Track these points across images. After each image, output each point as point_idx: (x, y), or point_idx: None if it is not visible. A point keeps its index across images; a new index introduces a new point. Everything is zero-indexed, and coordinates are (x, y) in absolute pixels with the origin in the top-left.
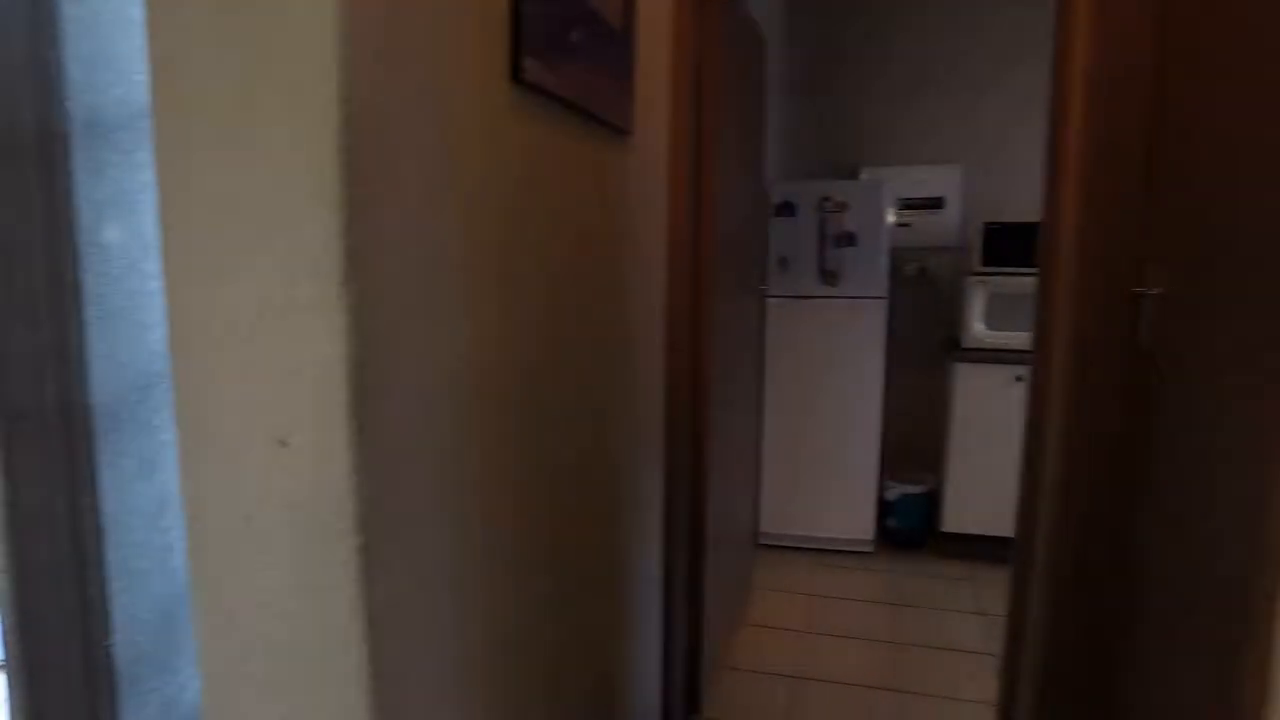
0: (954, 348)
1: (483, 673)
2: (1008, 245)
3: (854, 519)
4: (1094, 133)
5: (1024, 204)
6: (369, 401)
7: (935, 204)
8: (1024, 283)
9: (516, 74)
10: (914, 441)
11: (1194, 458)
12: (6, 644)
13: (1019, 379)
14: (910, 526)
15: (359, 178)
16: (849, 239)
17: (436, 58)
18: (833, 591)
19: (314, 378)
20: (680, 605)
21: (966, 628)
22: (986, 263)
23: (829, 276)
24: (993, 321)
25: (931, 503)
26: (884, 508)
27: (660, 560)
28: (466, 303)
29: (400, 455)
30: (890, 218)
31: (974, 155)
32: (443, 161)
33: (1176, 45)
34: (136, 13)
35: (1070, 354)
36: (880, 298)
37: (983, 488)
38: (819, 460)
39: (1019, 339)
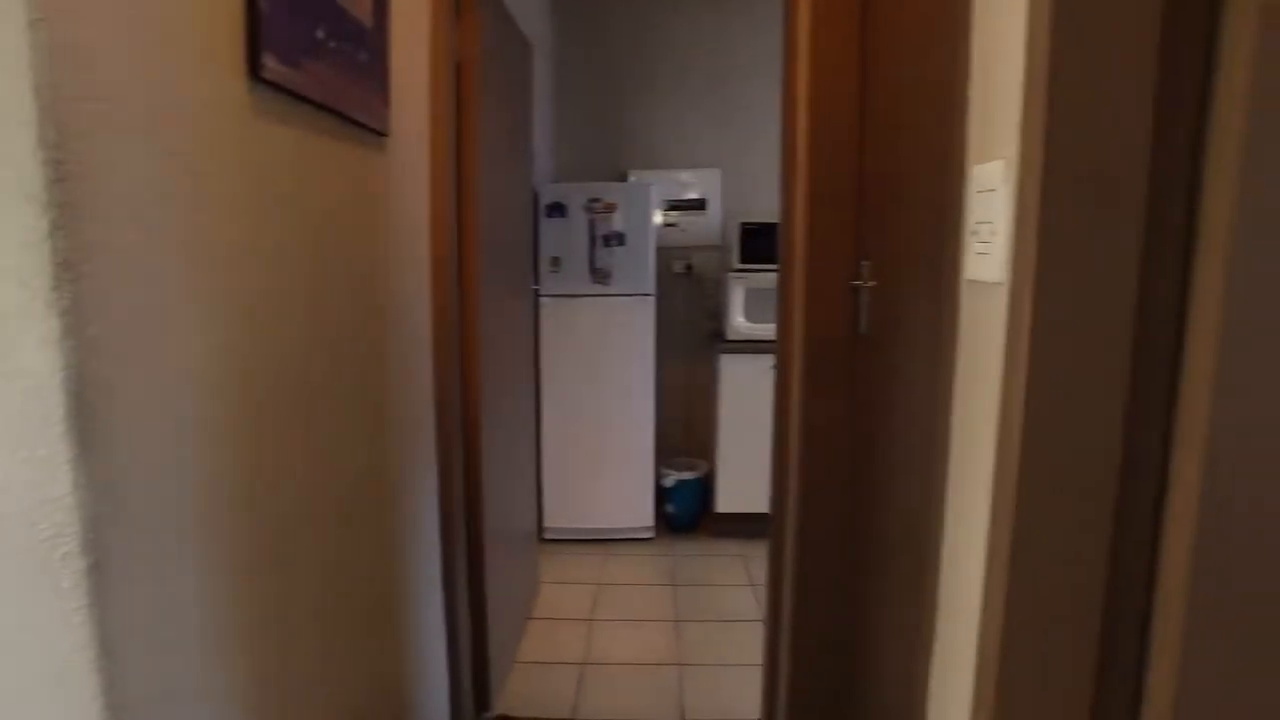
0: (719, 340)
1: (247, 692)
2: (762, 244)
3: (634, 508)
4: (816, 145)
5: (774, 205)
6: (95, 414)
7: (698, 205)
8: (774, 278)
9: (255, 71)
10: (687, 430)
11: (892, 429)
12: None
13: (774, 367)
14: (687, 511)
15: (67, 177)
16: (618, 239)
17: (159, 51)
18: (617, 579)
19: (24, 390)
20: (462, 604)
21: (741, 599)
22: (745, 260)
23: (600, 275)
24: (752, 314)
25: (705, 487)
26: (662, 495)
27: (439, 560)
28: (209, 306)
29: (138, 468)
30: (657, 218)
31: (732, 160)
32: (170, 160)
33: (872, 73)
34: None
35: (805, 342)
36: (649, 295)
37: (750, 469)
38: (598, 453)
39: (773, 330)
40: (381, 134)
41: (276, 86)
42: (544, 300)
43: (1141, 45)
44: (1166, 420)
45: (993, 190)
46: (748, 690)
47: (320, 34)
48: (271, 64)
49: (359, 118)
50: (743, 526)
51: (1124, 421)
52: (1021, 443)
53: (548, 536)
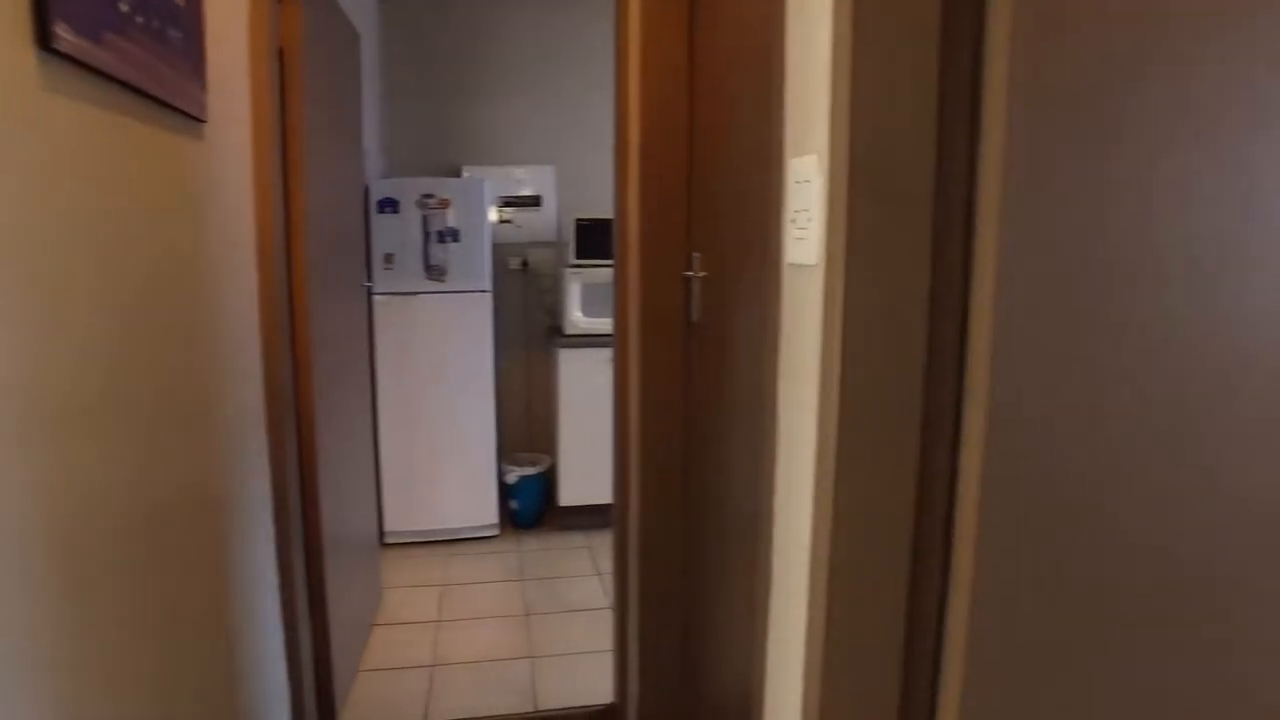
0: (557, 335)
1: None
2: (598, 239)
3: (477, 506)
4: (649, 143)
5: (609, 202)
6: None
7: (534, 202)
8: (610, 273)
9: (45, 41)
10: (528, 426)
11: (724, 410)
12: None
13: (613, 360)
14: (531, 506)
15: None
16: (453, 235)
17: None
18: (463, 578)
19: None
20: (302, 614)
21: (588, 589)
22: (581, 256)
23: (435, 271)
24: (589, 309)
25: (549, 481)
26: (505, 491)
27: (276, 569)
28: None
29: None
30: (492, 215)
31: (567, 156)
32: None
33: (700, 73)
34: None
35: (642, 332)
36: (485, 291)
37: (593, 462)
38: (438, 453)
39: (610, 324)
40: (198, 120)
41: (73, 60)
42: (378, 298)
43: (926, 55)
44: (959, 381)
45: (808, 181)
46: (599, 675)
47: (124, 6)
48: (66, 35)
49: (172, 101)
50: (588, 518)
51: (923, 382)
52: (839, 406)
53: (389, 540)
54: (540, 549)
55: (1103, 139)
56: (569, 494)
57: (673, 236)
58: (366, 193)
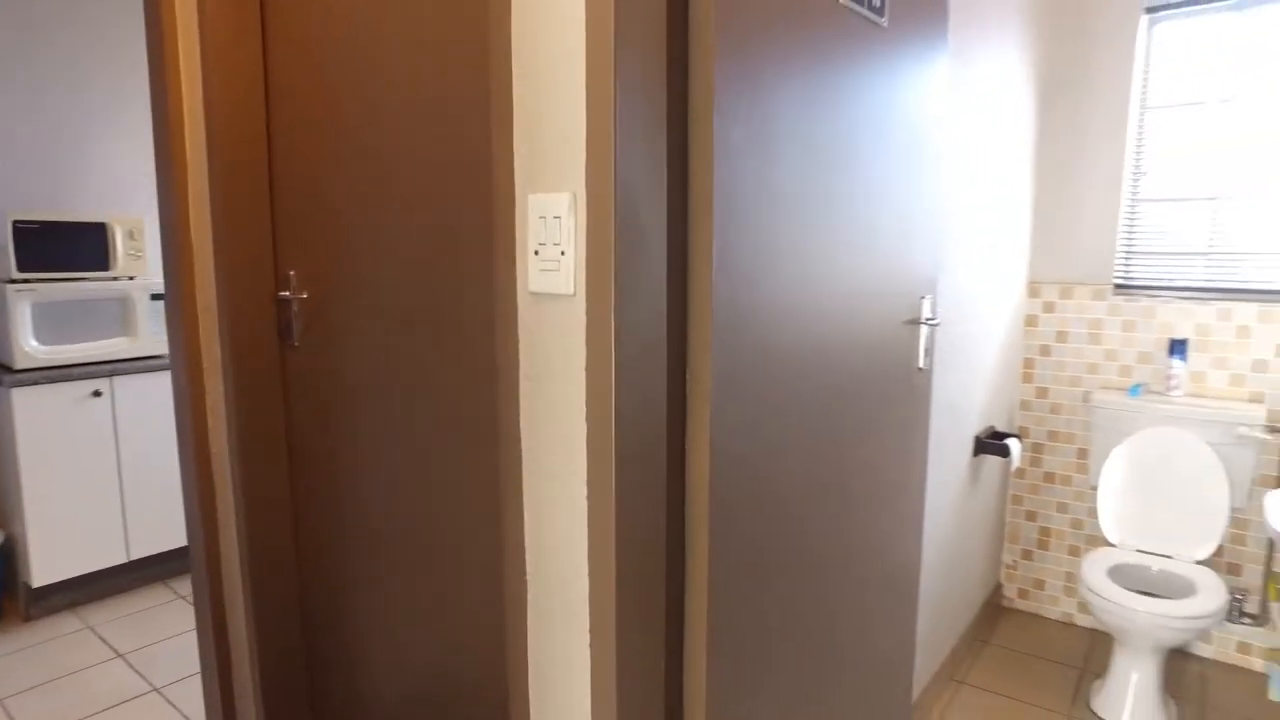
0: (5, 372)
1: None
2: (50, 246)
3: None
4: (220, 157)
5: (65, 197)
6: None
7: None
8: (80, 288)
9: None
10: None
11: (381, 430)
12: None
13: (97, 394)
14: None
15: None
16: None
17: None
18: None
19: None
20: None
21: (113, 678)
22: (26, 268)
23: None
24: (48, 335)
25: (5, 559)
26: None
27: None
28: None
29: None
30: None
31: None
32: None
33: (276, 83)
34: None
35: (233, 358)
36: None
37: (81, 523)
38: None
39: (89, 350)
40: None
41: None
42: None
43: (659, 117)
44: (682, 385)
45: (558, 217)
46: None
47: None
48: None
49: None
50: (81, 592)
51: (667, 389)
52: (616, 426)
53: None
54: (15, 650)
55: (760, 186)
56: (47, 569)
57: (255, 254)
58: None
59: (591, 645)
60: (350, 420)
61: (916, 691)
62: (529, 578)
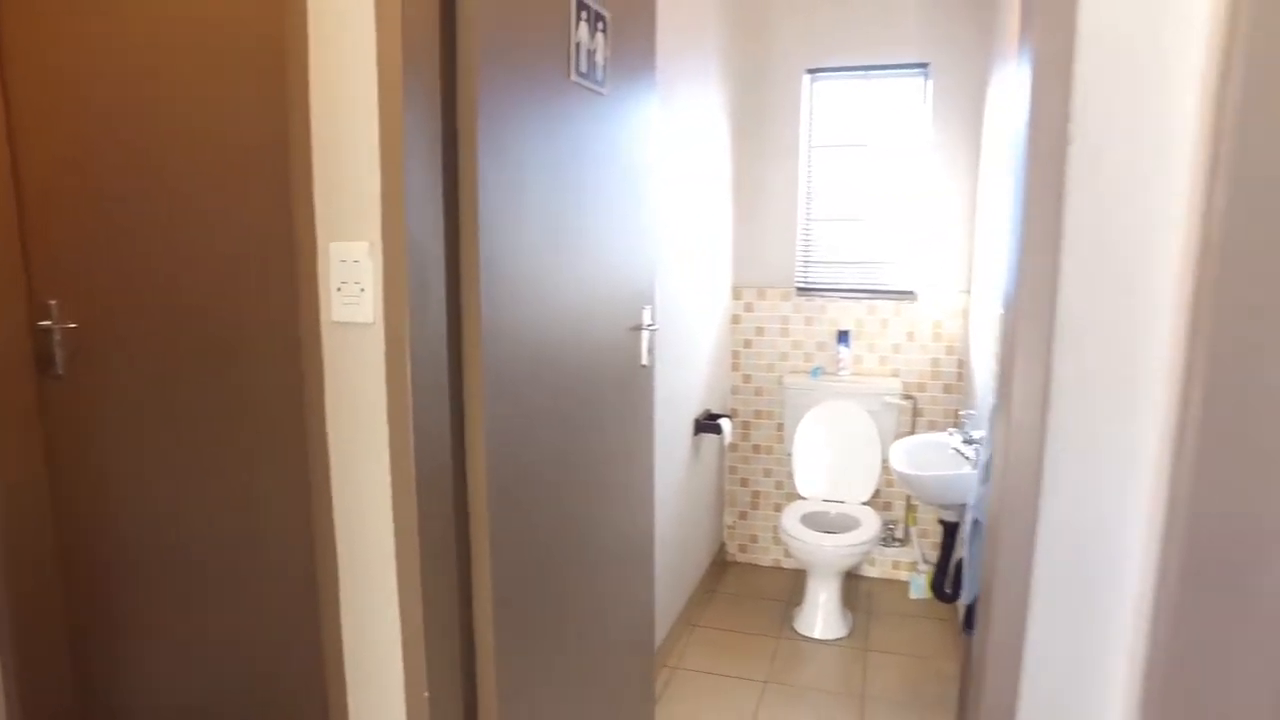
0: None
1: None
2: None
3: None
4: None
5: None
6: None
7: None
8: None
9: None
10: None
11: (130, 454)
12: None
13: None
14: None
15: None
16: None
17: None
18: None
19: None
20: None
21: None
22: None
23: None
24: None
25: None
26: None
27: None
28: None
29: None
30: None
31: None
32: None
33: (22, 121)
34: None
35: None
36: None
37: None
38: None
39: None
40: None
41: None
42: None
43: (436, 174)
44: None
45: (358, 261)
46: None
47: None
48: None
49: None
50: None
51: (450, 394)
52: (414, 435)
53: None
54: None
55: (516, 229)
56: None
57: (11, 287)
58: None
59: (403, 619)
60: (134, 446)
61: (660, 637)
62: (340, 563)
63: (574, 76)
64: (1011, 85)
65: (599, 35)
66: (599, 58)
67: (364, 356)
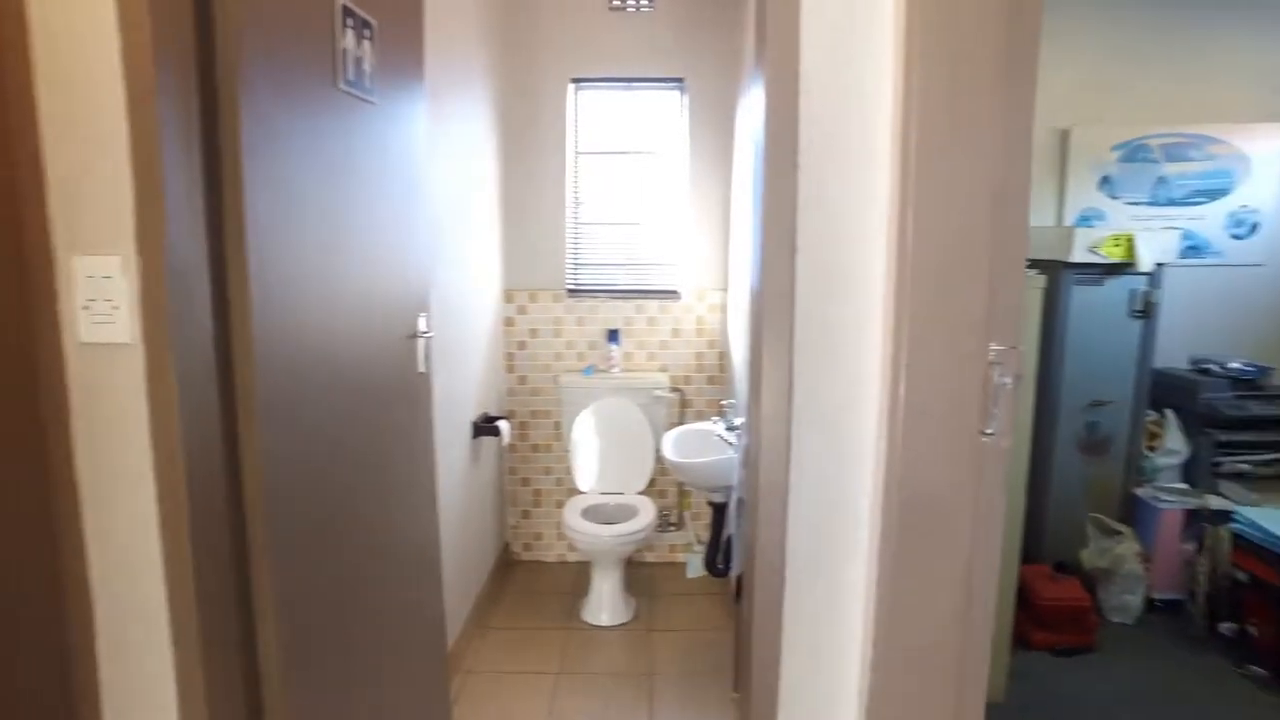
0: None
1: None
2: None
3: None
4: None
5: None
6: None
7: None
8: None
9: None
10: None
11: None
12: None
13: None
14: None
15: None
16: None
17: None
18: None
19: None
20: None
21: None
22: None
23: None
24: None
25: None
26: None
27: None
28: None
29: None
30: None
31: None
32: None
33: None
34: None
35: None
36: None
37: None
38: None
39: None
40: None
41: None
42: None
43: (198, 191)
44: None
45: (109, 277)
46: None
47: None
48: None
49: None
50: None
51: (220, 410)
52: (186, 459)
53: None
54: None
55: (287, 236)
56: None
57: None
58: None
59: (175, 650)
60: None
61: (451, 641)
62: (98, 609)
63: (342, 85)
64: (754, 108)
65: (365, 43)
66: (366, 65)
67: (122, 380)
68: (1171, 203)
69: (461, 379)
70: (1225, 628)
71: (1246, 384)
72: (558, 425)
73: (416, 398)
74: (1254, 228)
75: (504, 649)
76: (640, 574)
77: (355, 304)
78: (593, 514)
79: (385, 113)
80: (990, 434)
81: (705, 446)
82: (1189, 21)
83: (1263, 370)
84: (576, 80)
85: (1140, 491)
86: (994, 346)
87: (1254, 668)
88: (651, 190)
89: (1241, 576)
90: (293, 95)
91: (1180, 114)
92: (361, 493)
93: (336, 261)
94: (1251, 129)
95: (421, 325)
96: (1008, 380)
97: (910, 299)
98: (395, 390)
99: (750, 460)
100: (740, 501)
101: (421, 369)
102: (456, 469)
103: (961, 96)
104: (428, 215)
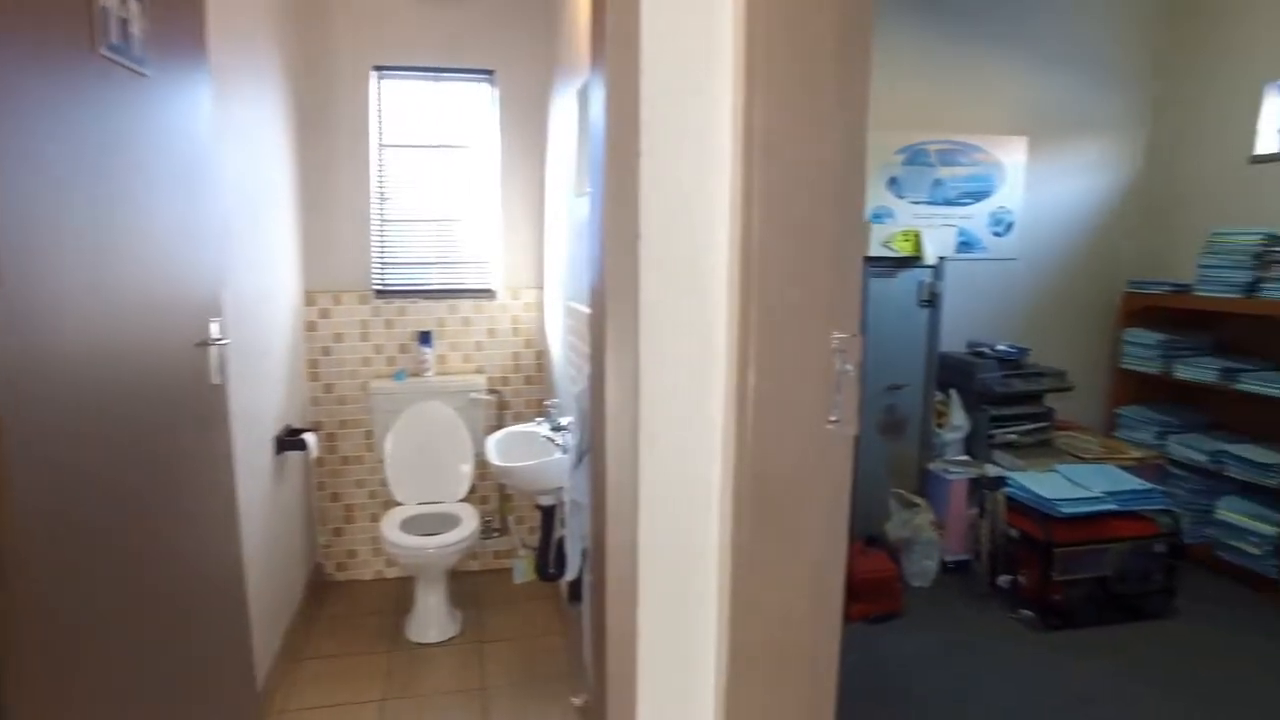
0: None
1: None
2: None
3: None
4: None
5: None
6: None
7: None
8: None
9: None
10: None
11: None
12: None
13: None
14: None
15: None
16: None
17: None
18: None
19: None
20: None
21: None
22: None
23: None
24: None
25: None
26: None
27: None
28: None
29: None
30: None
31: None
32: None
33: None
34: None
35: None
36: None
37: None
38: None
39: None
40: None
41: None
42: None
43: None
44: None
45: None
46: None
47: None
48: None
49: None
50: None
51: None
52: None
53: None
54: None
55: (39, 212)
56: None
57: None
58: None
59: None
60: None
61: (261, 677)
62: None
63: (104, 50)
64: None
65: (133, 3)
66: (135, 29)
67: None
68: (947, 202)
69: (261, 390)
70: (1002, 580)
71: (1011, 364)
72: (369, 435)
73: (209, 414)
74: (1009, 226)
75: (322, 680)
76: (465, 584)
77: (134, 308)
78: (412, 526)
79: (161, 88)
80: (835, 421)
81: (531, 449)
82: (953, 47)
83: (1022, 351)
84: (379, 68)
85: (932, 465)
86: (836, 335)
87: (1025, 611)
88: (462, 186)
89: (1014, 534)
90: (44, 59)
91: (949, 123)
92: (148, 521)
93: (109, 260)
94: (1004, 140)
95: (214, 331)
96: (850, 368)
97: (757, 288)
98: (185, 407)
99: (595, 459)
100: (574, 504)
101: (215, 380)
102: (259, 488)
103: (802, 87)
104: (217, 207)
